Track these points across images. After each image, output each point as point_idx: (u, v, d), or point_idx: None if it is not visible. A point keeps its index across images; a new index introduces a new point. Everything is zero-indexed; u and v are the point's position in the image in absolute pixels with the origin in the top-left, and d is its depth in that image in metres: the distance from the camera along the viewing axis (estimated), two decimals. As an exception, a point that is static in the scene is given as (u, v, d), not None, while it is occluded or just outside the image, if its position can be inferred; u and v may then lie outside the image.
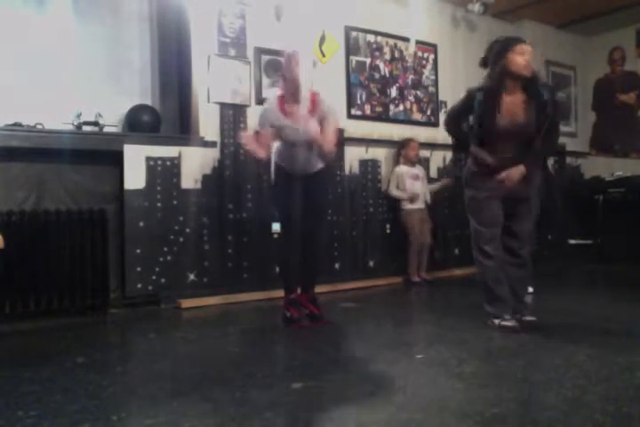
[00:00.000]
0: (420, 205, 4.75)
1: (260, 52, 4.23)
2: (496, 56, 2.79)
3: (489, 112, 2.76)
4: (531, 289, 3.87)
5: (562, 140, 6.35)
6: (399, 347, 2.64)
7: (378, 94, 4.96)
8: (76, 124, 3.65)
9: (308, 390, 2.02)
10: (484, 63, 2.93)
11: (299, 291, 3.29)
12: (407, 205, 4.71)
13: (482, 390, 1.98)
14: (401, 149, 4.80)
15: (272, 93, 3.26)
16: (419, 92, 5.25)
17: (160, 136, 3.94)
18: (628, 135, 6.31)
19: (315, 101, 3.09)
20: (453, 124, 3.05)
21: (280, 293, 3.45)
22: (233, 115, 4.10)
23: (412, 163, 4.78)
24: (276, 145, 3.22)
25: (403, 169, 4.75)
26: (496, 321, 2.89)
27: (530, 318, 2.90)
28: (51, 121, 3.56)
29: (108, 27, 4.00)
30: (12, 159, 3.44)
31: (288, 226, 3.17)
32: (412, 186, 4.72)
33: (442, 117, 5.40)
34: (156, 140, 3.83)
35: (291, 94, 3.06)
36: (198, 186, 3.97)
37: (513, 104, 2.77)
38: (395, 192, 4.76)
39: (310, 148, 3.12)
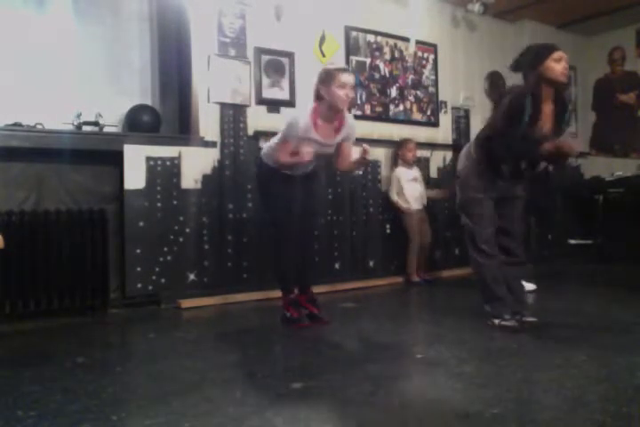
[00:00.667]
0: (419, 205, 4.76)
1: (259, 52, 4.23)
2: (534, 61, 2.73)
3: (533, 121, 2.68)
4: (533, 287, 3.88)
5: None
6: (399, 347, 2.64)
7: (378, 94, 4.96)
8: (75, 124, 3.65)
9: (308, 390, 2.02)
10: (516, 68, 2.86)
11: (296, 291, 3.28)
12: (406, 206, 4.72)
13: (482, 390, 1.98)
14: (398, 150, 4.80)
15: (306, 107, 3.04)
16: (419, 92, 5.25)
17: (160, 136, 3.94)
18: (628, 135, 6.31)
19: (342, 121, 3.03)
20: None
21: (280, 293, 3.44)
22: (233, 115, 4.10)
23: (409, 164, 4.77)
24: (267, 145, 3.18)
25: (401, 172, 4.74)
26: (496, 321, 2.89)
27: (530, 319, 2.90)
28: (51, 121, 3.56)
29: (108, 27, 3.99)
30: (11, 159, 3.44)
31: (286, 227, 3.15)
32: (412, 190, 4.72)
33: (442, 117, 5.41)
34: (156, 140, 3.83)
35: (328, 113, 2.95)
36: (198, 186, 3.96)
37: (546, 113, 2.75)
38: (395, 197, 4.74)
39: (318, 159, 3.10)
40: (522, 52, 2.85)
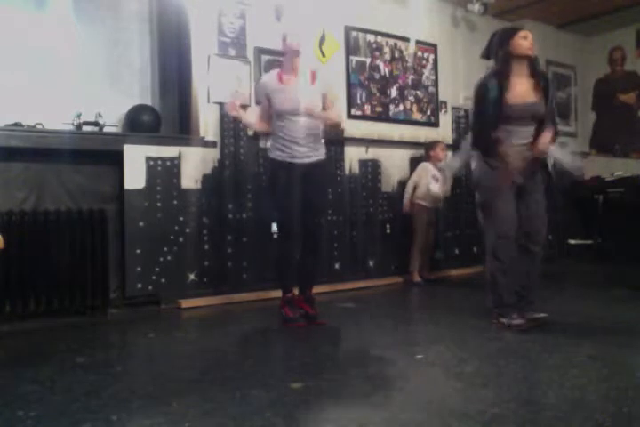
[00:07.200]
0: (432, 204, 4.76)
1: (259, 52, 4.23)
2: (500, 43, 2.93)
3: (503, 93, 2.83)
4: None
5: (562, 140, 6.38)
6: (399, 347, 2.64)
7: (378, 94, 4.95)
8: (75, 124, 3.64)
9: (308, 390, 2.02)
10: (487, 55, 3.05)
11: (296, 292, 3.28)
12: (420, 201, 4.71)
13: (482, 390, 1.98)
14: (430, 151, 4.81)
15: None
16: (419, 92, 5.25)
17: (160, 136, 3.94)
18: (628, 135, 6.31)
19: (314, 76, 3.16)
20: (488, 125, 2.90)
21: (280, 293, 3.43)
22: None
23: (436, 163, 4.79)
24: (270, 142, 3.20)
25: (430, 167, 4.76)
26: (504, 320, 2.90)
27: (541, 315, 2.96)
28: (51, 121, 3.56)
29: (108, 27, 3.99)
30: (11, 159, 3.44)
31: (288, 225, 3.14)
32: (432, 187, 4.72)
33: (442, 117, 5.42)
34: (156, 141, 3.83)
35: (289, 65, 3.13)
36: (198, 186, 3.96)
37: (522, 85, 2.88)
38: (408, 190, 4.73)
39: (311, 123, 3.10)
40: (489, 39, 3.04)
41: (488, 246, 2.97)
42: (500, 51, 2.91)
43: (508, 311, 2.91)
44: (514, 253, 2.92)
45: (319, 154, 3.19)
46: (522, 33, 2.89)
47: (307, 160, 3.11)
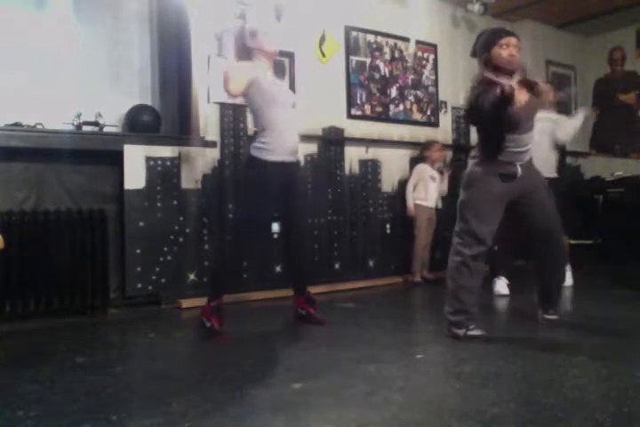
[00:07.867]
0: (432, 204, 4.78)
1: (260, 52, 4.23)
2: (483, 47, 2.74)
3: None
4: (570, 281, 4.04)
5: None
6: (399, 347, 2.64)
7: (378, 94, 4.96)
8: (75, 124, 3.64)
9: (308, 390, 2.02)
10: (474, 53, 2.89)
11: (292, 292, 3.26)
12: (419, 201, 4.72)
13: (482, 390, 1.98)
14: (425, 151, 4.83)
15: None
16: (419, 92, 5.25)
17: (160, 136, 3.94)
18: (628, 135, 6.31)
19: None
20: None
21: (280, 293, 3.44)
22: (233, 115, 4.10)
23: (433, 164, 4.81)
24: (257, 141, 3.00)
25: (426, 168, 4.78)
26: (460, 331, 2.71)
27: (552, 317, 2.94)
28: (51, 121, 3.56)
29: (108, 27, 3.99)
30: (11, 159, 3.44)
31: (262, 229, 3.10)
32: (430, 187, 4.74)
33: (442, 117, 5.42)
34: (156, 141, 3.83)
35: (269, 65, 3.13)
36: (198, 186, 3.96)
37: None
38: (409, 193, 4.74)
39: (294, 117, 3.08)
40: (476, 38, 2.86)
41: (455, 245, 2.73)
42: (482, 55, 2.74)
43: (465, 321, 2.71)
44: (482, 259, 2.71)
45: (298, 153, 3.13)
46: (504, 40, 2.64)
47: (290, 158, 3.02)
